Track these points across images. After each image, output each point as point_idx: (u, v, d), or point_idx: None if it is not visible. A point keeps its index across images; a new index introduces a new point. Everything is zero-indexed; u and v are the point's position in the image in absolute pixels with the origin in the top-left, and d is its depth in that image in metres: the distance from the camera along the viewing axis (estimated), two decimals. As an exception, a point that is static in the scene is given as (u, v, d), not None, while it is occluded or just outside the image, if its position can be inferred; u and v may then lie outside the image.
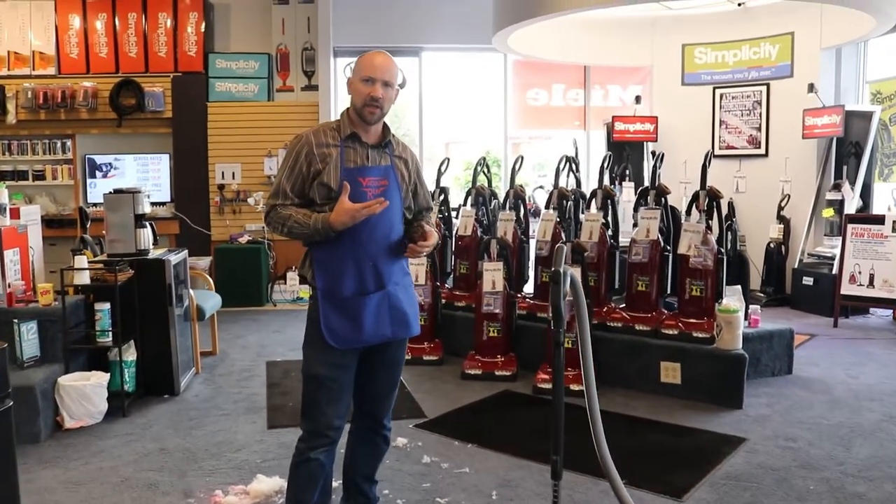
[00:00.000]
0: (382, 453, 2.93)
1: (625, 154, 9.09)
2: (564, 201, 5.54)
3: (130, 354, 4.53)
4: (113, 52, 8.38)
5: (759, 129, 8.37)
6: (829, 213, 7.64)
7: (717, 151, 8.56)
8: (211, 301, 5.59)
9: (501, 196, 6.50)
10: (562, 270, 2.44)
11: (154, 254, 4.78)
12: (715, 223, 4.95)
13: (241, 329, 6.83)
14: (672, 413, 4.41)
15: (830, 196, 7.63)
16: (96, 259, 4.74)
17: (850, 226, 7.02)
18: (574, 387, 4.72)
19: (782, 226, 8.03)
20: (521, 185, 5.94)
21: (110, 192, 4.64)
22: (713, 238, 4.80)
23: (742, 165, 8.44)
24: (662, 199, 5.06)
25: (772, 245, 8.05)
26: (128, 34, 8.37)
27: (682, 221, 4.99)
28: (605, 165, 5.48)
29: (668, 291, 5.10)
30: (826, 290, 7.32)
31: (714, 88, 8.62)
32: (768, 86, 8.28)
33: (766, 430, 4.09)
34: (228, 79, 8.52)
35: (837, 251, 7.37)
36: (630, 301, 5.10)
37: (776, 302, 7.81)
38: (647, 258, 4.99)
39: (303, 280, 2.66)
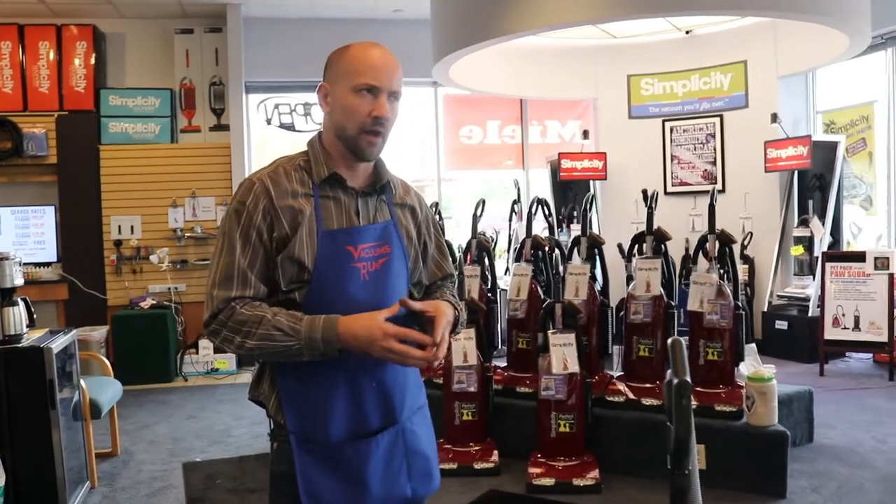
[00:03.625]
0: None
1: (570, 194, 8.44)
2: (539, 252, 4.71)
3: (-3, 479, 3.37)
4: (-18, 88, 7.14)
5: (713, 163, 7.82)
6: (797, 250, 7.10)
7: (669, 188, 7.98)
8: (109, 391, 4.44)
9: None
10: (688, 381, 1.55)
11: (29, 339, 3.64)
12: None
13: (147, 416, 5.63)
14: (705, 511, 3.57)
15: (798, 233, 7.09)
16: (-51, 350, 3.55)
17: (828, 264, 6.47)
18: (578, 482, 3.85)
19: (746, 266, 7.44)
20: (483, 233, 5.07)
21: (-35, 261, 3.51)
22: (729, 290, 4.04)
23: (697, 203, 7.81)
24: (662, 247, 4.28)
25: (736, 287, 7.45)
26: (1, 66, 7.13)
27: (692, 271, 4.22)
28: (588, 207, 4.69)
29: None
30: (802, 335, 6.75)
31: (663, 121, 8.03)
32: (722, 117, 7.75)
33: (830, 530, 3.31)
34: (124, 118, 7.38)
35: (810, 291, 6.85)
36: (630, 369, 4.27)
37: (746, 349, 7.18)
38: (649, 317, 4.18)
39: (257, 403, 1.61)
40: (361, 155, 1.66)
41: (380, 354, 1.53)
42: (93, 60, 7.30)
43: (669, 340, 1.59)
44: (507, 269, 7.42)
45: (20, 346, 3.54)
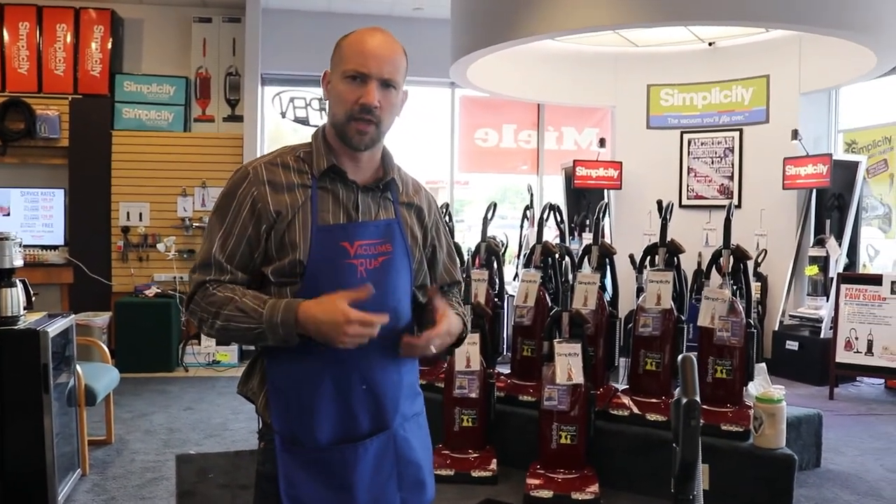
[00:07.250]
0: None
1: (584, 202, 8.34)
2: (549, 259, 4.62)
3: (-15, 463, 3.31)
4: (-2, 67, 7.11)
5: (731, 177, 7.71)
6: (812, 270, 6.97)
7: (684, 201, 7.86)
8: (105, 378, 4.37)
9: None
10: (698, 399, 1.47)
11: (26, 322, 3.59)
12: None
13: (144, 405, 5.57)
14: (707, 533, 3.47)
15: (814, 252, 6.97)
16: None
17: (843, 286, 6.34)
18: (577, 495, 3.76)
19: (759, 284, 7.33)
20: (493, 238, 4.99)
21: (-36, 240, 3.45)
22: (741, 307, 3.94)
23: (712, 217, 7.70)
24: (675, 260, 4.19)
25: (748, 304, 7.33)
26: (18, 47, 7.11)
27: (704, 286, 4.12)
28: (601, 216, 4.59)
29: (682, 371, 4.19)
30: (813, 356, 6.62)
31: (682, 133, 7.93)
32: (741, 131, 7.64)
33: (835, 560, 3.21)
34: (138, 104, 7.33)
35: (823, 312, 6.73)
36: (636, 383, 4.17)
37: (755, 368, 7.06)
38: (658, 331, 4.08)
39: (247, 399, 1.52)
40: (351, 143, 1.59)
41: (341, 342, 1.45)
42: (109, 45, 7.26)
43: (680, 357, 1.51)
44: (516, 275, 7.33)
45: (16, 328, 3.49)
